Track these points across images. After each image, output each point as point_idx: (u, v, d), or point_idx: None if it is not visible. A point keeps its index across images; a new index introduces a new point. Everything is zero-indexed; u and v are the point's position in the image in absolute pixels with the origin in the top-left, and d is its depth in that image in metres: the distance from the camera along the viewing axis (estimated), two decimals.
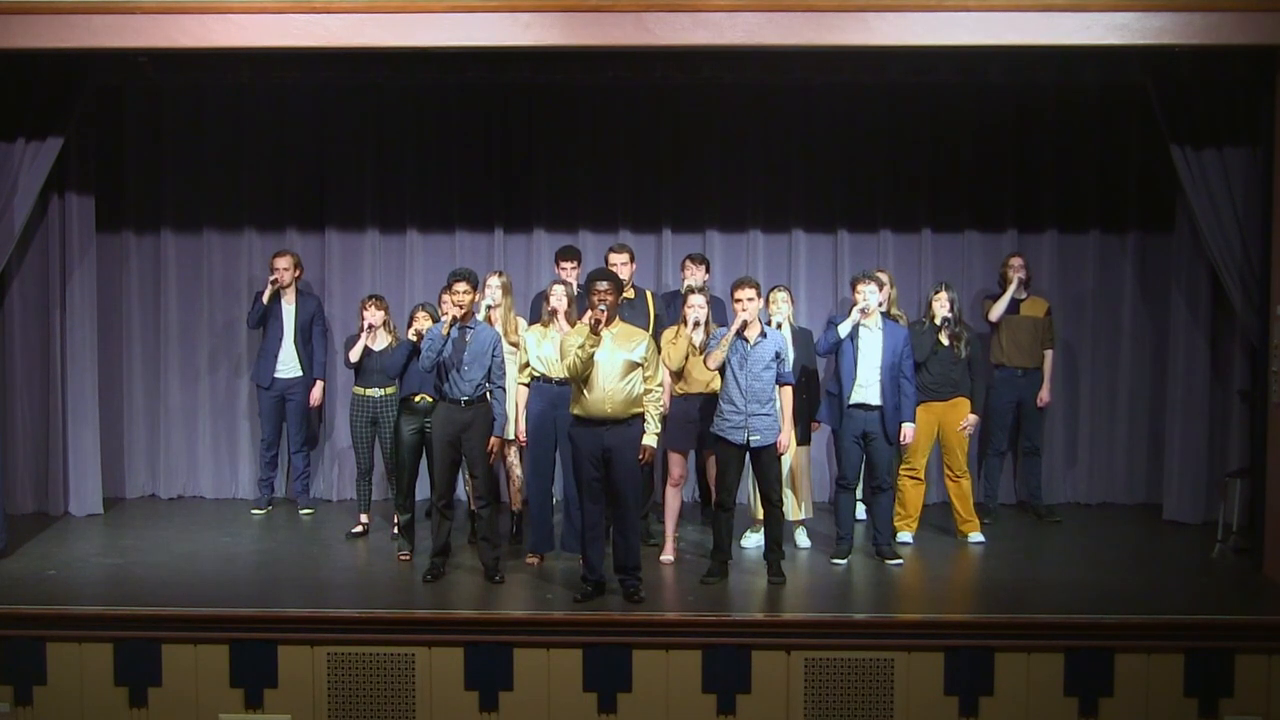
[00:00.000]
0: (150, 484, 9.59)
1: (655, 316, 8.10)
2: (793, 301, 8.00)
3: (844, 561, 7.74)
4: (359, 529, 8.42)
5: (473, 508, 7.43)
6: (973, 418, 8.25)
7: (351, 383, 8.52)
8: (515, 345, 7.77)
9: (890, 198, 9.45)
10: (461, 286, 7.14)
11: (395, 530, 8.03)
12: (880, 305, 7.84)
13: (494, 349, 7.28)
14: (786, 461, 7.66)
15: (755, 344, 7.20)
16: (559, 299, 7.67)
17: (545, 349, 7.57)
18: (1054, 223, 9.41)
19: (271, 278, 8.75)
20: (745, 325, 7.18)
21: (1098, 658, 6.49)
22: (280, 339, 8.85)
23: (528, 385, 7.66)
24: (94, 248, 8.87)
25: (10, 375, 8.70)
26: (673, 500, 7.75)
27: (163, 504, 9.41)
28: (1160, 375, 9.15)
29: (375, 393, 8.32)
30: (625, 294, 7.63)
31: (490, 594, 7.15)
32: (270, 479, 9.04)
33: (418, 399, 7.78)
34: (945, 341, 8.15)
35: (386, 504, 8.78)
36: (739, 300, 7.24)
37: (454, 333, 7.15)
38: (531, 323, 8.02)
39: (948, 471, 8.31)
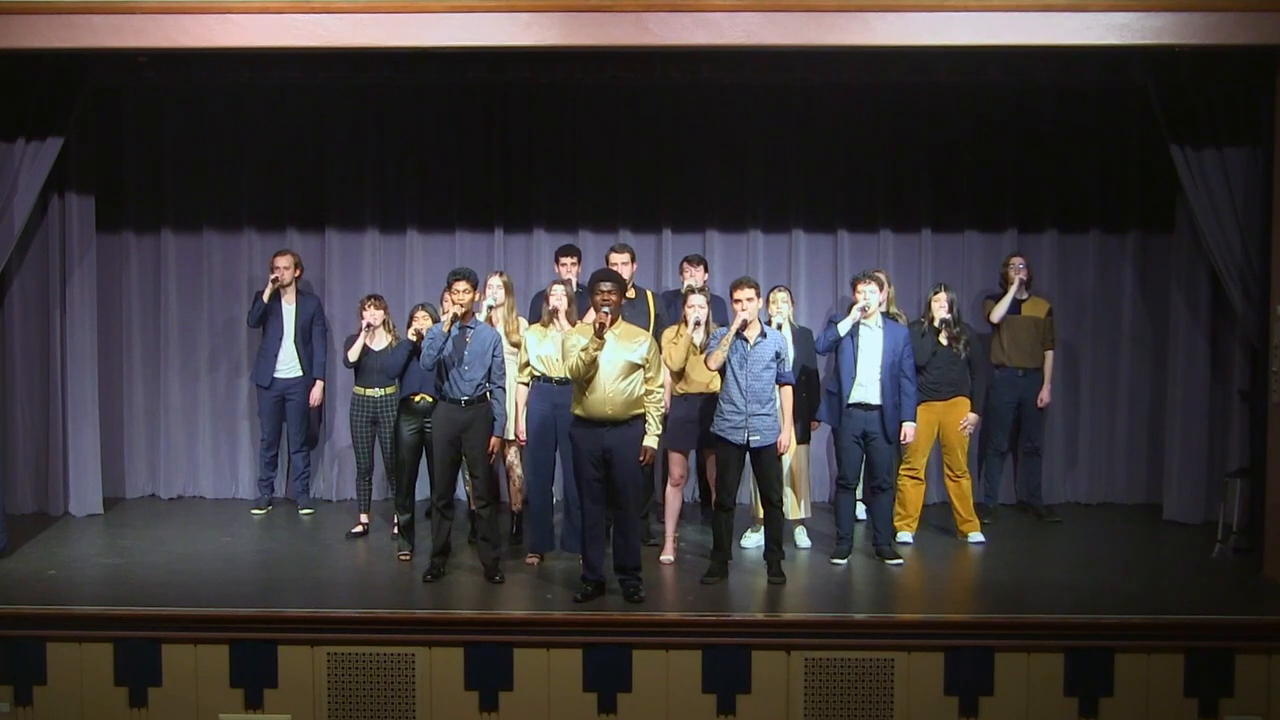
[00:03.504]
0: (150, 484, 9.59)
1: (656, 316, 8.10)
2: (793, 302, 8.01)
3: (844, 561, 7.74)
4: (359, 529, 8.42)
5: (473, 508, 7.42)
6: (972, 417, 8.25)
7: (351, 383, 8.52)
8: (517, 345, 7.77)
9: (890, 198, 9.45)
10: (461, 286, 7.14)
11: (395, 530, 8.03)
12: (880, 305, 7.84)
13: (494, 349, 7.28)
14: (786, 461, 7.67)
15: (755, 344, 7.20)
16: (559, 298, 7.67)
17: (546, 348, 7.57)
18: (1054, 223, 9.41)
19: (272, 276, 8.76)
20: (745, 325, 7.18)
21: (1098, 658, 6.49)
22: (280, 339, 8.85)
23: (528, 385, 7.66)
24: (94, 248, 8.87)
25: (10, 375, 8.70)
26: (673, 500, 7.75)
27: (163, 504, 9.41)
28: (1160, 375, 9.15)
29: (375, 393, 8.32)
30: (626, 294, 7.62)
31: (490, 594, 7.15)
32: (270, 479, 9.04)
33: (418, 399, 7.78)
34: (945, 342, 8.15)
35: (386, 504, 8.78)
36: (738, 300, 7.24)
37: (454, 331, 7.15)
38: (532, 322, 8.02)
39: (948, 471, 8.31)
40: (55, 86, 8.01)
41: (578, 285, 8.00)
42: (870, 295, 7.68)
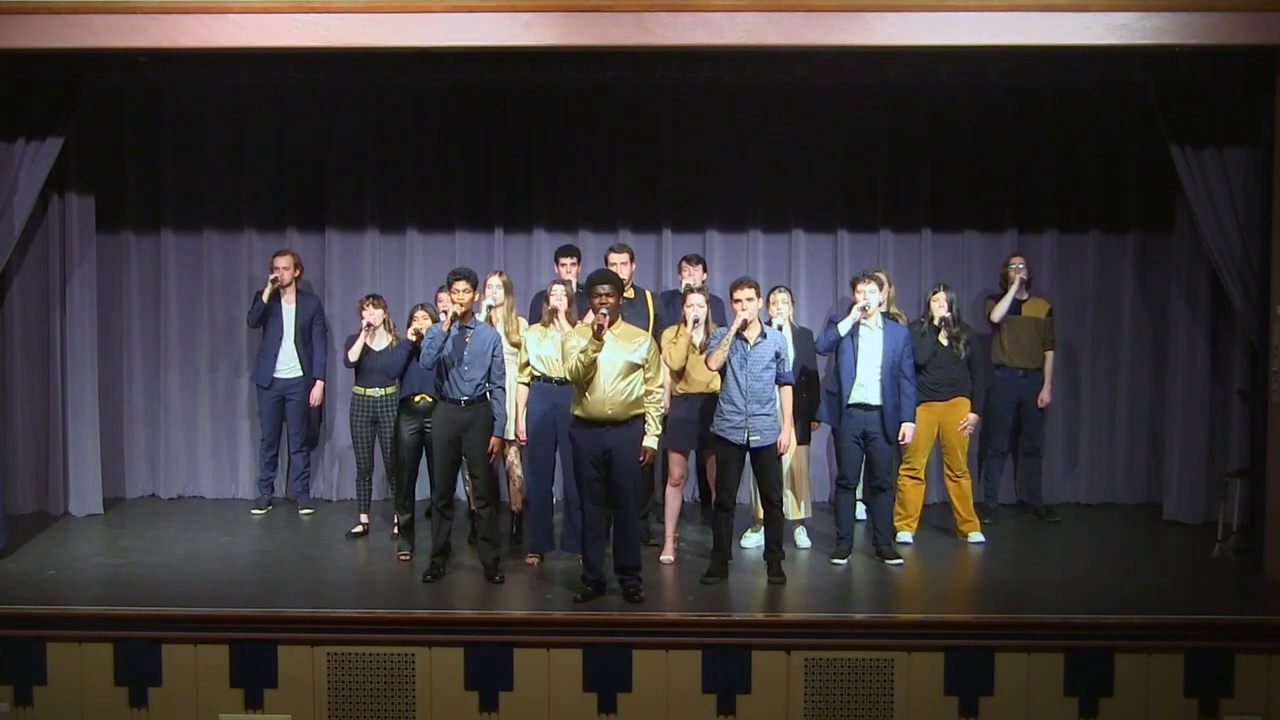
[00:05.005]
0: (150, 484, 9.59)
1: (655, 316, 8.10)
2: (792, 302, 8.01)
3: (844, 561, 7.74)
4: (359, 529, 8.42)
5: (473, 508, 7.42)
6: (972, 417, 8.25)
7: (351, 383, 8.53)
8: (517, 345, 7.77)
9: (890, 198, 9.45)
10: (461, 285, 7.14)
11: (395, 530, 8.03)
12: (880, 305, 7.84)
13: (494, 349, 7.28)
14: (786, 461, 7.67)
15: (755, 344, 7.20)
16: (559, 299, 7.67)
17: (545, 349, 7.57)
18: (1054, 223, 9.41)
19: (272, 276, 8.76)
20: (745, 325, 7.18)
21: (1098, 658, 6.49)
22: (280, 339, 8.85)
23: (528, 385, 7.66)
24: (94, 248, 8.87)
25: (10, 375, 8.70)
26: (673, 500, 7.75)
27: (163, 504, 9.41)
28: (1160, 375, 9.15)
29: (375, 392, 8.32)
30: (625, 294, 7.62)
31: (490, 594, 7.15)
32: (270, 479, 9.04)
33: (418, 399, 7.78)
34: (945, 342, 8.15)
35: (386, 504, 8.78)
36: (738, 300, 7.24)
37: (454, 331, 7.15)
38: (532, 322, 8.02)
39: (948, 471, 8.31)
40: (55, 86, 8.00)
41: (578, 285, 8.00)
42: (870, 295, 7.68)
